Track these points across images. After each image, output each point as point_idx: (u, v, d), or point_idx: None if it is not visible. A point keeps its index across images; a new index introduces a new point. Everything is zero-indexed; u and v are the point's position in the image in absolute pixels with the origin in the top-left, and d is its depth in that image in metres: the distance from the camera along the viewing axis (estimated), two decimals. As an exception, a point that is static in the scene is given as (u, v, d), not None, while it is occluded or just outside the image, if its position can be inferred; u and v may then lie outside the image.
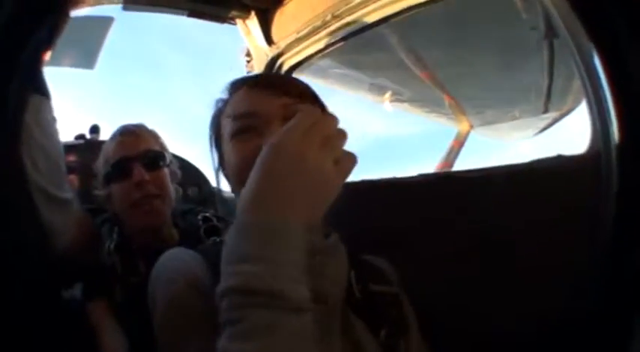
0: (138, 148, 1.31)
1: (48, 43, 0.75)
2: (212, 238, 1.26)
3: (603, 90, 0.98)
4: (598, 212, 0.79)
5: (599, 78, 1.00)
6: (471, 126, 2.45)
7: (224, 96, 0.92)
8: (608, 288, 0.69)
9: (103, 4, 1.83)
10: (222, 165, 0.92)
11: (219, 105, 0.92)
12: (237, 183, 0.81)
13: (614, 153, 0.79)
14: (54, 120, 0.99)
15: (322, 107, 0.91)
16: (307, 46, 1.79)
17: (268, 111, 0.81)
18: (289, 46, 1.84)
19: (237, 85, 0.91)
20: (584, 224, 0.90)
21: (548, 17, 1.42)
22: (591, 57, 1.04)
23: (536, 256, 1.03)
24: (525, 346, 0.95)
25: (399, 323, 0.86)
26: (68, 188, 1.01)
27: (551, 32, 1.61)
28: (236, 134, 0.83)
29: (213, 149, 0.93)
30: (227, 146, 0.85)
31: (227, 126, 0.85)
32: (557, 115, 2.16)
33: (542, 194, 1.07)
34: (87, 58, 2.03)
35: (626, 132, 0.72)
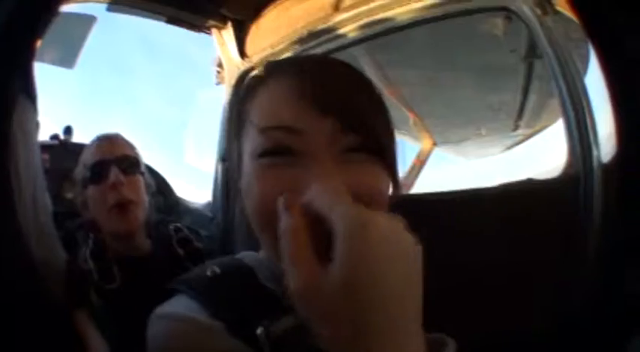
0: (115, 153, 1.35)
1: (39, 36, 0.71)
2: (200, 267, 1.26)
3: (590, 110, 0.99)
4: (578, 238, 0.80)
5: (588, 99, 1.01)
6: (434, 144, 2.48)
7: (259, 72, 0.67)
8: (595, 314, 0.67)
9: (86, 1, 1.85)
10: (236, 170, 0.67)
11: (252, 84, 0.66)
12: (254, 222, 0.61)
13: (598, 175, 0.81)
14: (37, 126, 0.97)
15: (390, 158, 0.63)
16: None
17: (316, 132, 0.56)
18: (262, 61, 1.82)
19: (279, 68, 0.66)
20: (562, 248, 0.93)
21: (531, 38, 1.46)
22: (578, 76, 1.05)
23: (507, 279, 1.04)
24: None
25: None
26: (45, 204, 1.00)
27: (531, 53, 1.64)
28: (264, 154, 0.58)
29: (233, 141, 0.68)
30: (248, 163, 0.61)
31: (252, 134, 0.61)
32: (526, 133, 2.20)
33: (514, 217, 1.08)
34: (67, 56, 2.01)
35: (626, 150, 0.66)
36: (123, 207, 1.31)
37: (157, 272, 1.19)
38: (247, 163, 0.61)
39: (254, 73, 0.59)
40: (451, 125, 2.51)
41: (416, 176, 2.39)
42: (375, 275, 0.43)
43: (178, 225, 1.45)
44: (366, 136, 0.57)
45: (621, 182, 0.66)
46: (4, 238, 0.62)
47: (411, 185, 2.30)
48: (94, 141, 1.40)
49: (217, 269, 0.66)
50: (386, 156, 0.60)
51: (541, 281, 1.02)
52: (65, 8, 1.78)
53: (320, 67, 0.64)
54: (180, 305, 0.62)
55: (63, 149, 1.84)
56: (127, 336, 0.69)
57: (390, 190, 0.64)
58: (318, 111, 0.56)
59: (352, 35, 1.66)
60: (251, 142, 0.60)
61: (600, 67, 0.64)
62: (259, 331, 0.53)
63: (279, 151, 0.57)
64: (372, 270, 0.43)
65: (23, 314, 0.61)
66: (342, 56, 1.74)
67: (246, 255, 0.70)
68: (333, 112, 0.56)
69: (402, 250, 0.45)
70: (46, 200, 1.04)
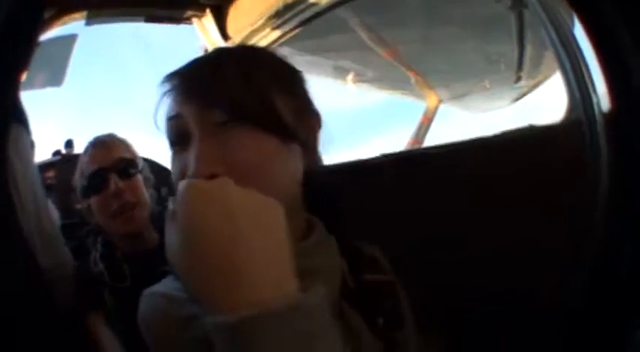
0: (111, 158, 1.34)
1: (24, 64, 0.73)
2: None
3: (584, 60, 0.98)
4: (584, 185, 0.78)
5: (578, 47, 1.00)
6: (440, 101, 2.46)
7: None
8: (598, 278, 0.67)
9: (67, 23, 1.86)
10: None
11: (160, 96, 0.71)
12: None
13: (599, 121, 0.79)
14: (32, 146, 0.98)
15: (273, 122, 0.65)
16: (263, 37, 1.82)
17: (188, 116, 0.64)
18: (245, 39, 1.85)
19: (171, 76, 0.70)
20: (566, 196, 0.91)
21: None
22: (567, 27, 1.04)
23: (514, 232, 1.02)
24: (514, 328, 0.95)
25: (394, 314, 0.77)
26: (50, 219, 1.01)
27: (518, 3, 1.66)
28: (171, 143, 0.67)
29: None
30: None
31: None
32: (530, 84, 2.20)
33: (519, 164, 1.06)
34: (56, 76, 2.05)
35: (616, 100, 0.67)
36: (127, 211, 1.32)
37: (166, 262, 1.18)
38: None
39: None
40: (453, 80, 2.49)
41: (424, 134, 2.38)
42: (196, 230, 0.48)
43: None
44: (232, 109, 0.63)
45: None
46: (9, 247, 0.62)
47: (420, 143, 2.32)
48: (88, 148, 1.39)
49: None
50: (265, 124, 0.64)
51: (553, 231, 0.99)
52: (48, 34, 1.81)
53: (198, 62, 0.71)
54: (164, 285, 0.69)
55: (67, 162, 1.86)
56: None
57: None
58: (187, 98, 0.64)
59: (325, 1, 1.64)
60: None
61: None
62: None
63: (176, 139, 0.66)
64: (192, 226, 0.49)
65: (29, 321, 0.62)
66: (329, 19, 1.78)
67: None
68: (196, 95, 0.64)
69: (223, 207, 0.49)
70: (50, 209, 1.05)
